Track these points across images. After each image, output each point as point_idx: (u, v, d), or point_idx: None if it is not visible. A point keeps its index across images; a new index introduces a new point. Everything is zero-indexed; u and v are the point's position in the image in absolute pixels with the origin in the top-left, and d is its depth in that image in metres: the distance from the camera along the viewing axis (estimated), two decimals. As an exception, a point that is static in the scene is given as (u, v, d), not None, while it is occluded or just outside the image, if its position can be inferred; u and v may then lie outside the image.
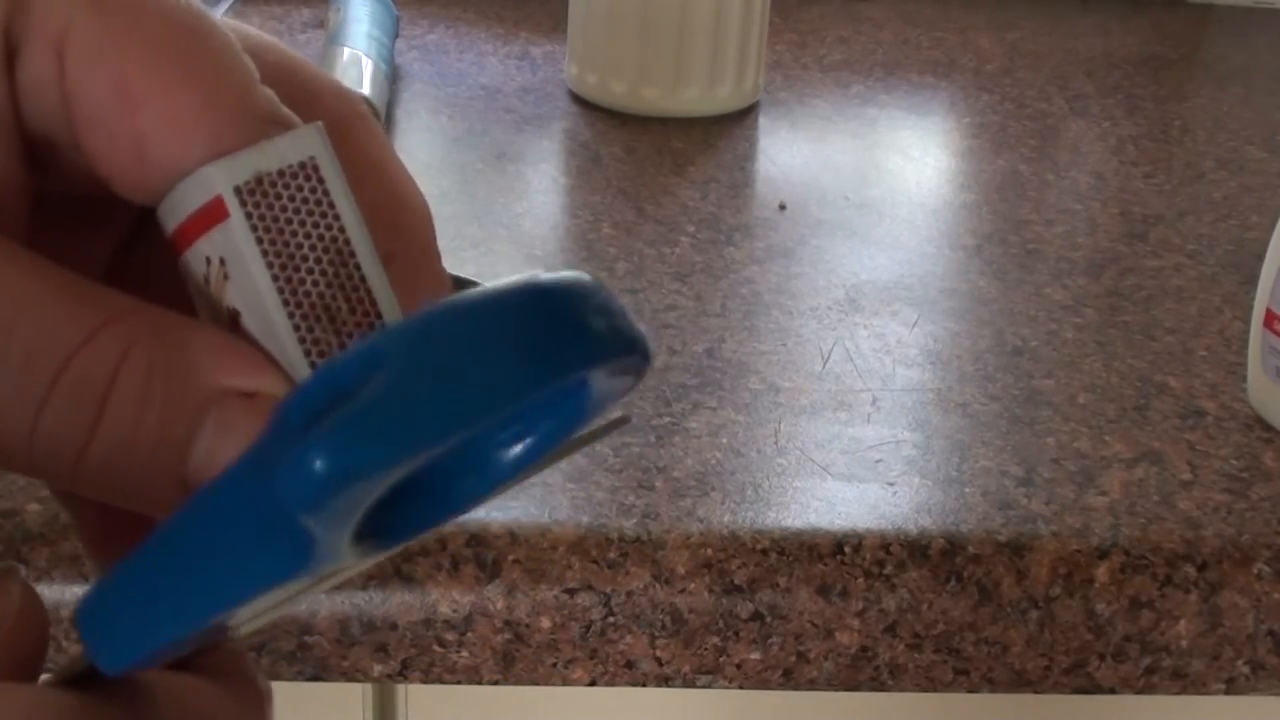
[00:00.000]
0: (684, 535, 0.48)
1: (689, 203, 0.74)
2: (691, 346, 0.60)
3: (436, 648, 0.48)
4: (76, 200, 0.23)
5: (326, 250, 0.21)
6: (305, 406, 0.18)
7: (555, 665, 0.48)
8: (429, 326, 0.17)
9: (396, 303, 0.21)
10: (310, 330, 0.20)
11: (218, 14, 1.02)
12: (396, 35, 0.90)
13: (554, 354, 0.17)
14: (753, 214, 0.73)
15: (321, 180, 0.21)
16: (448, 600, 0.47)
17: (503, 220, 0.71)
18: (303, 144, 0.21)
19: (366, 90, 0.77)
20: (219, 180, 0.20)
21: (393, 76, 0.86)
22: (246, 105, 0.21)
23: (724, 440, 0.53)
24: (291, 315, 0.20)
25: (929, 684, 0.49)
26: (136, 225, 0.24)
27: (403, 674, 0.48)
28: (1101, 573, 0.48)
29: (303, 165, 0.21)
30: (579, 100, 0.87)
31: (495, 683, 0.48)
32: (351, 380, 0.17)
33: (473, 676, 0.48)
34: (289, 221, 0.20)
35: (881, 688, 0.49)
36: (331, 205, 0.21)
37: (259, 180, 0.20)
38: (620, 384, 0.19)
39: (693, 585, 0.47)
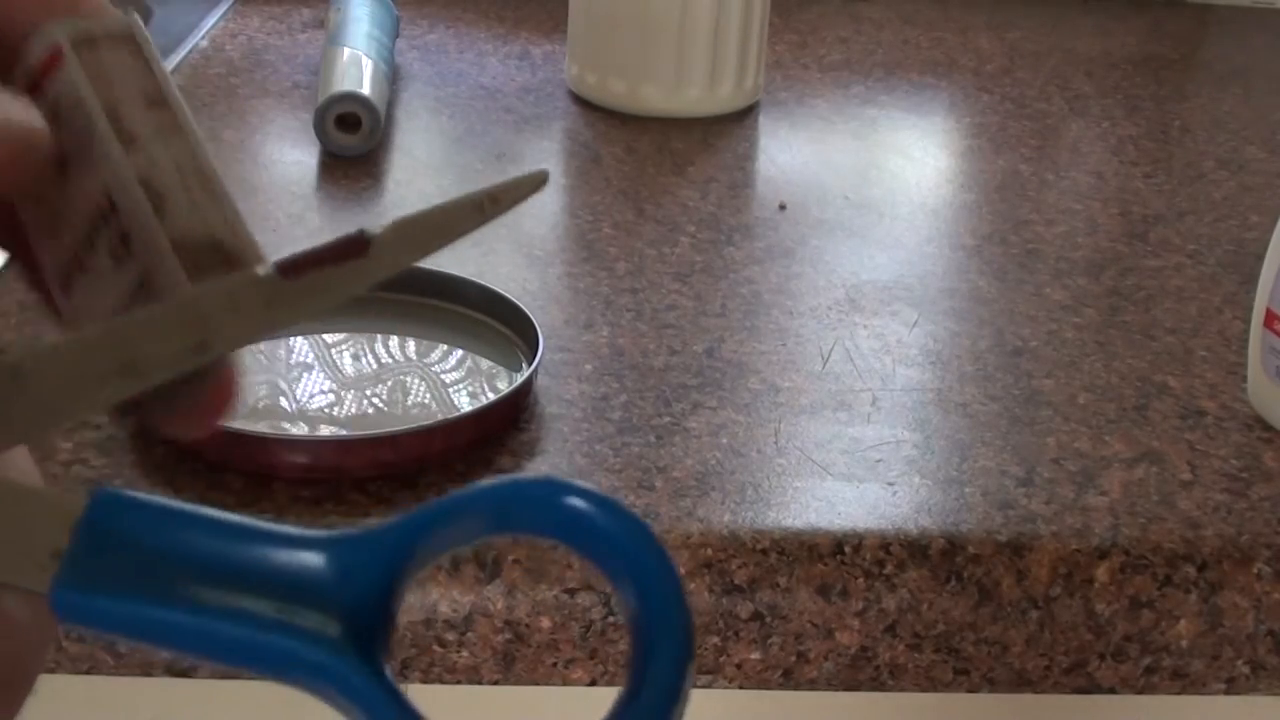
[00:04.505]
0: (684, 535, 0.48)
1: (689, 203, 0.74)
2: (691, 346, 0.60)
3: (436, 648, 0.48)
4: None
5: (144, 93, 0.27)
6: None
7: (555, 665, 0.48)
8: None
9: (201, 137, 0.27)
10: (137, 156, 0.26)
11: (218, 13, 1.01)
12: (396, 35, 0.90)
13: None
14: (753, 214, 0.73)
15: (138, 46, 0.27)
16: (448, 600, 0.47)
17: (503, 220, 0.70)
18: (123, 20, 0.28)
19: (366, 90, 0.77)
20: (58, 33, 0.27)
21: (393, 76, 0.86)
22: None
23: (724, 440, 0.53)
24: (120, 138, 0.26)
25: (929, 684, 0.49)
26: None
27: (403, 674, 0.48)
28: (1101, 573, 0.48)
29: (124, 33, 0.27)
30: (579, 100, 0.87)
31: (495, 683, 0.48)
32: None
33: (473, 676, 0.48)
34: (115, 69, 0.27)
35: (881, 688, 0.49)
36: (147, 64, 0.27)
37: (90, 37, 0.27)
38: None
39: (693, 585, 0.47)
